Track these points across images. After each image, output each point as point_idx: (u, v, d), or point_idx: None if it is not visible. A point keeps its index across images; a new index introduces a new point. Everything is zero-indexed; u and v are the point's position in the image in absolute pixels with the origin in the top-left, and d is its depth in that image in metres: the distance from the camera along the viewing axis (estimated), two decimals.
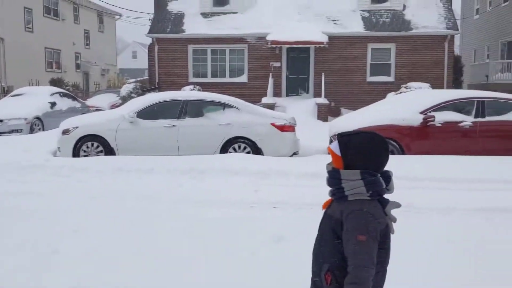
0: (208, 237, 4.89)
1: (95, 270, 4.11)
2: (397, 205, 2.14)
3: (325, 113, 17.44)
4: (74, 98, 17.41)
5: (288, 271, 3.90)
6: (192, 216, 5.67)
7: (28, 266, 4.18)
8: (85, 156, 9.49)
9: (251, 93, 18.98)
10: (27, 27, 25.66)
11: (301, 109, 17.12)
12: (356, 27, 19.40)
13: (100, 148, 9.54)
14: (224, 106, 9.89)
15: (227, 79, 20.16)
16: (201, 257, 4.36)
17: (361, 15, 19.86)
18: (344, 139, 2.11)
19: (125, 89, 19.55)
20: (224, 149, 9.54)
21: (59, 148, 9.76)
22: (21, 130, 13.96)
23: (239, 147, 9.56)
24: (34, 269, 4.12)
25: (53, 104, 15.44)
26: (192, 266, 4.18)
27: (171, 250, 4.53)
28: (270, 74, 19.29)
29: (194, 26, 20.00)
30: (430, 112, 9.28)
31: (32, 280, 3.92)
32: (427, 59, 19.27)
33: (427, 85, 17.62)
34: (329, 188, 2.19)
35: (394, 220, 2.14)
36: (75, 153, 9.52)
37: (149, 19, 22.39)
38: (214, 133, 9.54)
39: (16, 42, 24.18)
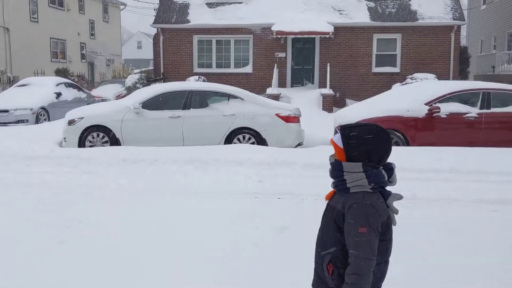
0: (211, 227, 4.93)
1: (100, 260, 4.16)
2: (399, 197, 2.16)
3: (330, 103, 17.41)
4: (79, 89, 17.45)
5: (292, 261, 3.94)
6: (195, 206, 5.71)
7: (34, 257, 4.23)
8: (90, 146, 9.54)
9: (256, 84, 18.97)
10: (32, 17, 25.67)
11: (306, 99, 17.10)
12: (362, 17, 19.30)
13: (106, 138, 9.59)
14: (228, 96, 9.90)
15: (232, 70, 20.13)
16: (204, 248, 4.40)
17: (367, 5, 19.74)
18: (347, 131, 2.13)
19: (131, 79, 19.56)
20: (229, 139, 9.57)
21: (65, 138, 9.81)
22: (27, 121, 14.04)
23: (244, 137, 9.58)
24: (41, 260, 4.17)
25: (58, 95, 15.49)
26: (195, 256, 4.22)
27: (174, 241, 4.56)
28: (275, 64, 19.24)
29: (199, 16, 19.95)
30: (435, 103, 9.25)
31: (39, 270, 3.97)
32: (433, 49, 19.15)
33: (433, 76, 17.53)
34: (332, 180, 2.21)
35: (396, 211, 2.16)
36: (81, 144, 9.57)
37: (154, 9, 22.34)
38: (219, 123, 9.56)
39: (21, 32, 24.21)
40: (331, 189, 2.24)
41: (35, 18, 25.92)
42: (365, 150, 2.08)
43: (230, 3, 20.24)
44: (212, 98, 9.98)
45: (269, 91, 17.63)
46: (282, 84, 19.43)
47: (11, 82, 22.15)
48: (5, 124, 13.65)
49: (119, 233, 4.77)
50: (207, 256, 4.21)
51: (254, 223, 4.97)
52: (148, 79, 19.47)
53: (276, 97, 16.13)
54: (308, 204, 5.71)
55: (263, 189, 6.54)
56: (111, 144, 9.53)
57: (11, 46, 23.57)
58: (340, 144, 2.13)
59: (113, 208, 5.66)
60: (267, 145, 9.45)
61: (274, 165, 7.84)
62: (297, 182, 6.86)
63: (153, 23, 20.32)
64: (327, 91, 17.77)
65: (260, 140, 9.51)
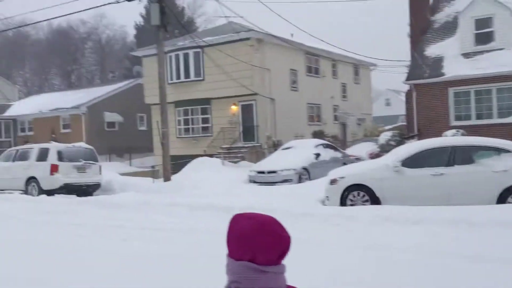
0: None
1: None
2: None
3: None
4: (335, 149, 18.35)
5: None
6: (465, 269, 5.14)
7: None
8: (351, 205, 9.74)
9: None
10: (292, 87, 28.53)
11: None
12: None
13: (366, 197, 9.66)
14: (498, 150, 8.95)
15: (494, 120, 18.32)
16: None
17: None
18: None
19: (383, 137, 19.64)
20: (502, 199, 8.54)
21: (327, 197, 10.28)
22: (291, 180, 15.33)
23: None
24: None
25: (317, 155, 16.56)
26: None
27: None
28: None
29: (454, 68, 19.01)
30: None
31: None
32: None
33: None
34: None
35: None
36: (342, 202, 9.86)
37: (406, 66, 22.31)
38: (488, 180, 8.70)
39: (283, 101, 27.08)
40: None
41: (295, 87, 28.73)
42: None
43: (489, 51, 18.75)
44: (479, 153, 9.17)
45: None
46: None
47: (275, 145, 24.74)
48: (273, 183, 15.17)
49: None
50: None
51: None
52: (402, 136, 19.21)
53: None
54: None
55: None
56: (372, 203, 9.55)
57: (276, 113, 26.51)
58: None
59: (380, 268, 5.54)
60: None
61: None
62: None
63: (406, 80, 20.19)
64: None
65: None
